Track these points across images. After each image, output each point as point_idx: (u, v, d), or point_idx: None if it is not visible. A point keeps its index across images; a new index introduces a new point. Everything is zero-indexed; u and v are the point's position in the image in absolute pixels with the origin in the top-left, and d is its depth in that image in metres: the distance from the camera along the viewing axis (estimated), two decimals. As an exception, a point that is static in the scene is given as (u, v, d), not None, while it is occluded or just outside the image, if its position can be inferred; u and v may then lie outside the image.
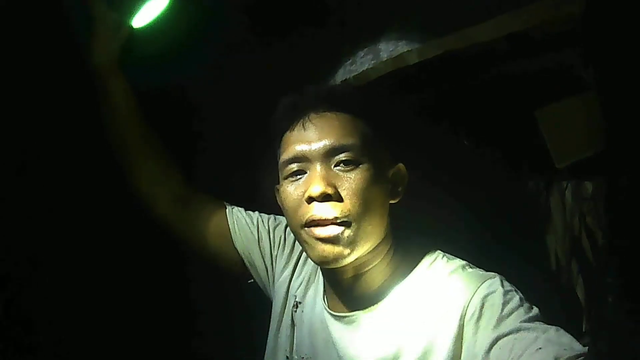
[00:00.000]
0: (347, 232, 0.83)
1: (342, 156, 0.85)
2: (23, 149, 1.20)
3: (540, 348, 0.70)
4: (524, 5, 0.90)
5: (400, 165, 0.93)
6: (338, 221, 0.83)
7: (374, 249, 0.88)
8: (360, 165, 0.86)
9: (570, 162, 0.95)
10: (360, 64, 1.20)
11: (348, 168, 0.85)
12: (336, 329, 0.91)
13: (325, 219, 0.83)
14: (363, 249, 0.86)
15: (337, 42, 1.28)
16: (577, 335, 0.74)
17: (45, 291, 1.22)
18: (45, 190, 1.23)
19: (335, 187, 0.84)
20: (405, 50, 1.08)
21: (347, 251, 0.84)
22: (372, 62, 1.17)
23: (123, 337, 1.28)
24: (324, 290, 0.97)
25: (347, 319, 0.90)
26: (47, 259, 1.23)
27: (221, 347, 1.39)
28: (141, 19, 1.11)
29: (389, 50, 1.13)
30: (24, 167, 1.20)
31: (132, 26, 1.10)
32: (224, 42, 1.34)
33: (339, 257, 0.84)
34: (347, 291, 0.91)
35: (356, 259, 0.86)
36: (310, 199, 0.84)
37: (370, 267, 0.89)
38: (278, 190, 0.94)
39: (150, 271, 1.33)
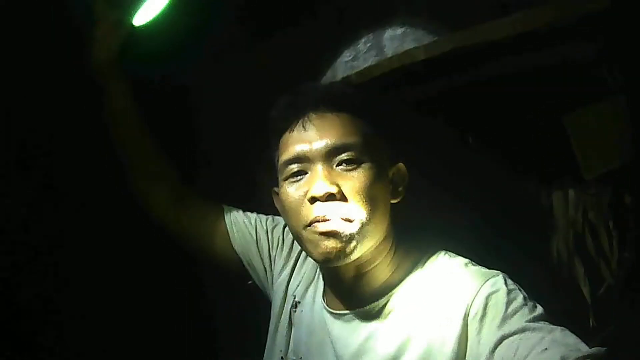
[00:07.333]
0: (350, 230, 0.82)
1: (344, 155, 0.84)
2: (26, 146, 1.19)
3: (546, 349, 0.69)
4: (537, 3, 0.88)
5: (401, 164, 0.92)
6: (341, 219, 0.82)
7: (375, 247, 0.87)
8: (362, 165, 0.84)
9: (599, 172, 0.92)
10: (363, 59, 1.17)
11: (350, 167, 0.84)
12: (335, 327, 0.90)
13: (328, 218, 0.81)
14: (365, 248, 0.84)
15: (334, 35, 1.25)
16: (583, 331, 0.73)
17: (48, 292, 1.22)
18: (49, 188, 1.22)
19: (338, 187, 0.82)
20: (412, 46, 1.06)
21: (349, 249, 0.82)
22: (376, 57, 1.14)
23: (131, 336, 1.27)
24: (324, 289, 0.95)
25: (346, 317, 0.89)
26: (50, 259, 1.23)
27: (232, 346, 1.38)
28: (141, 17, 1.10)
29: (393, 46, 1.10)
30: (26, 164, 1.20)
31: (132, 24, 1.09)
32: (222, 39, 1.32)
33: (341, 254, 0.82)
34: (348, 290, 0.90)
35: (358, 258, 0.85)
36: (313, 199, 0.82)
37: (372, 266, 0.88)
38: (277, 192, 0.92)
39: (158, 271, 1.33)
